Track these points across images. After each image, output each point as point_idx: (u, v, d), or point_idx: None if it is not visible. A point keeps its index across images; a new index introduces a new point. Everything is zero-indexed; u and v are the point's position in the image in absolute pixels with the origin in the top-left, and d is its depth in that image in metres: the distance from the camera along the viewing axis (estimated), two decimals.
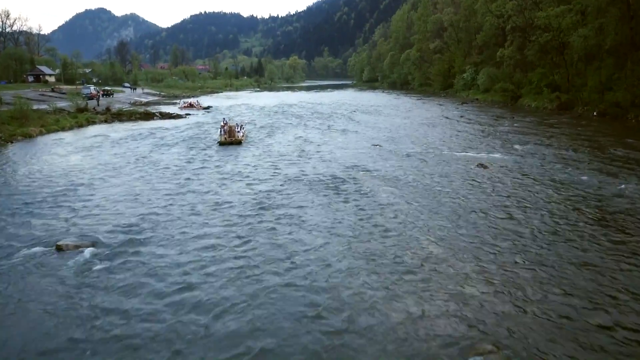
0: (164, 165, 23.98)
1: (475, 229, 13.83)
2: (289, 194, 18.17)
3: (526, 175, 20.86)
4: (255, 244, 12.80)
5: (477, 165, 22.58)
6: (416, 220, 14.75)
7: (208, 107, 63.35)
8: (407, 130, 37.21)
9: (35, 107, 49.96)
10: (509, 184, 19.30)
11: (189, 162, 25.04)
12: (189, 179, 20.95)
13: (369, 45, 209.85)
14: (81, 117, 45.83)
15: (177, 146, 30.41)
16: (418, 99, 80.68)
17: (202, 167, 23.58)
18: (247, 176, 21.34)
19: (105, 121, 47.95)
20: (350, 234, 13.52)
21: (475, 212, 15.51)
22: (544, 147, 28.22)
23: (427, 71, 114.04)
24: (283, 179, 20.68)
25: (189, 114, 54.19)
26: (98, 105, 61.96)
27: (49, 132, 38.42)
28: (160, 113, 52.44)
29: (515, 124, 40.26)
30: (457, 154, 26.24)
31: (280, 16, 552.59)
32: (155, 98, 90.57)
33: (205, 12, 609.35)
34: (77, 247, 12.43)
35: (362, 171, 21.88)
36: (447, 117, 47.10)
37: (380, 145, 29.37)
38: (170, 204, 16.60)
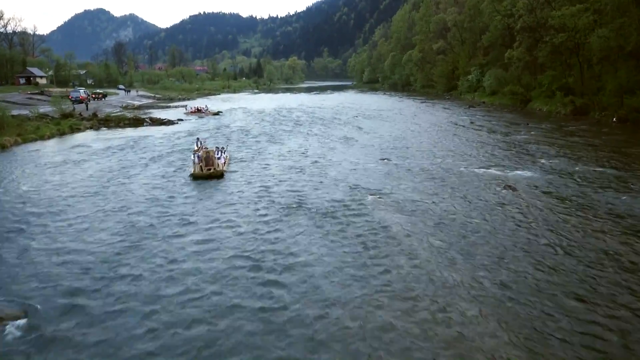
0: (124, 202, 18.47)
1: (524, 285, 10.73)
2: (281, 232, 15.05)
3: (564, 200, 17.74)
4: (230, 319, 9.67)
5: (504, 187, 19.46)
6: (443, 271, 11.64)
7: (218, 113, 58.50)
8: (416, 140, 34.10)
9: (16, 112, 46.95)
10: (547, 213, 16.18)
11: (153, 202, 18.42)
12: (135, 245, 13.78)
13: (369, 45, 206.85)
14: (64, 124, 42.67)
15: (153, 166, 25.45)
16: (422, 102, 77.59)
17: (160, 223, 15.70)
18: (224, 243, 13.78)
19: (91, 128, 44.83)
20: (357, 303, 10.32)
21: (517, 257, 12.41)
22: (573, 161, 25.12)
23: (429, 72, 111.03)
24: (276, 213, 17.50)
25: (181, 120, 51.04)
26: (87, 109, 58.89)
27: (25, 141, 35.23)
28: (151, 119, 49.31)
29: (532, 132, 37.16)
30: (477, 170, 23.12)
31: (279, 17, 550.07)
32: (149, 101, 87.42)
33: (204, 12, 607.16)
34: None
35: (371, 195, 18.75)
36: (456, 123, 44.01)
37: (388, 160, 26.26)
38: (120, 263, 12.78)
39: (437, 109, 62.38)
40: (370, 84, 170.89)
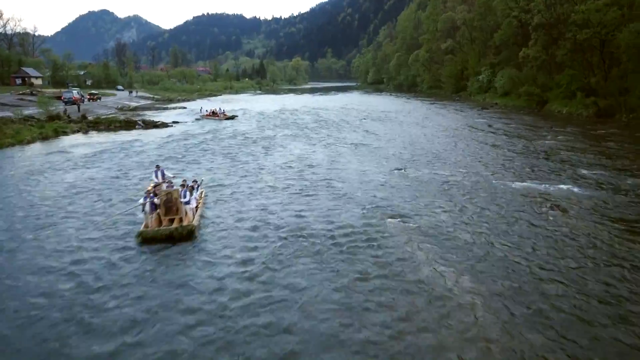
0: (59, 250, 13.17)
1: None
2: (279, 271, 11.69)
3: (630, 226, 14.29)
4: None
5: (550, 207, 16.03)
6: (500, 338, 8.24)
7: (233, 117, 52.77)
8: (432, 145, 30.67)
9: (0, 114, 43.89)
10: (614, 245, 12.76)
11: (88, 270, 11.79)
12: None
13: (374, 46, 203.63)
14: (48, 127, 39.42)
15: (114, 191, 19.21)
16: (431, 103, 74.11)
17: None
18: None
19: (79, 131, 41.60)
20: None
21: (602, 323, 9.01)
22: (618, 172, 21.66)
23: (437, 73, 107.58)
24: (276, 248, 14.12)
25: (177, 122, 47.77)
26: (79, 111, 55.76)
27: (1, 146, 32.05)
28: (144, 121, 46.04)
29: (558, 137, 33.66)
30: (511, 184, 19.67)
31: (283, 17, 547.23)
32: (147, 102, 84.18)
33: (208, 13, 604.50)
34: None
35: (390, 218, 15.35)
36: (472, 127, 40.55)
37: (404, 170, 22.86)
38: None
39: (448, 111, 58.89)
40: (375, 85, 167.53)
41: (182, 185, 15.48)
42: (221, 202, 17.51)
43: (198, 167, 24.56)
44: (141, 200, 14.81)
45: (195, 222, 14.39)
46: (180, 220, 14.42)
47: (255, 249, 12.95)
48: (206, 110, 56.72)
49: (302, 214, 15.85)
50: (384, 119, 48.88)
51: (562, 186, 19.03)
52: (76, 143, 34.56)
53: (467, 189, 18.91)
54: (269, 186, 19.88)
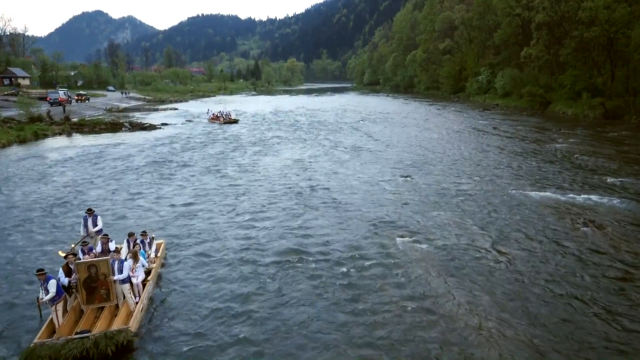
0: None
1: None
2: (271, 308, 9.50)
3: None
4: None
5: (584, 223, 13.91)
6: None
7: (236, 121, 47.60)
8: (437, 149, 28.57)
9: None
10: None
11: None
12: None
13: (370, 47, 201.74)
14: (28, 130, 37.03)
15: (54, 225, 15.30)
16: (429, 104, 72.14)
17: None
18: None
19: (60, 133, 39.25)
20: None
21: None
22: None
23: (434, 73, 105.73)
24: (268, 273, 11.95)
25: (166, 124, 45.48)
26: (64, 112, 53.34)
27: None
28: (130, 123, 43.75)
29: (570, 139, 31.67)
30: (530, 193, 17.57)
31: (278, 18, 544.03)
32: (138, 103, 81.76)
33: (202, 14, 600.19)
34: None
35: (399, 236, 13.19)
36: (476, 129, 38.51)
37: (409, 177, 20.71)
38: None
39: (448, 112, 56.88)
40: (371, 86, 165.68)
41: (127, 241, 10.90)
42: (189, 256, 12.15)
43: (171, 183, 20.20)
44: (41, 296, 8.53)
45: (133, 324, 8.59)
46: (114, 311, 9.26)
47: (243, 282, 10.76)
48: (212, 114, 51.47)
49: (299, 235, 13.57)
50: (383, 121, 46.79)
51: (590, 196, 16.92)
52: (53, 147, 32.22)
53: (482, 200, 16.78)
54: (258, 206, 16.34)
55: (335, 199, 17.14)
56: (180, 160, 26.09)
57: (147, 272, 10.45)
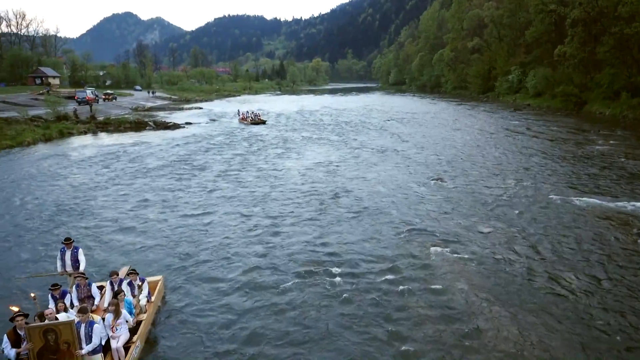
0: None
1: None
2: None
3: None
4: None
5: (639, 235, 12.56)
6: None
7: (263, 122, 45.48)
8: (469, 151, 27.23)
9: (5, 115, 41.96)
10: None
11: None
12: None
13: (395, 46, 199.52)
14: (53, 129, 37.23)
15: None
16: (457, 104, 70.25)
17: None
18: None
19: (85, 132, 39.35)
20: None
21: None
22: None
23: (462, 73, 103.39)
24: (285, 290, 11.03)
25: (190, 123, 45.22)
26: (91, 111, 53.80)
27: None
28: (155, 122, 43.65)
29: (610, 141, 29.85)
30: (574, 200, 16.20)
31: (303, 19, 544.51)
32: (164, 102, 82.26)
33: (229, 15, 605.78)
34: None
35: (433, 246, 12.12)
36: (509, 130, 36.87)
37: (441, 180, 19.54)
38: None
39: (478, 113, 55.08)
40: (397, 86, 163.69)
41: (111, 282, 8.81)
42: (194, 293, 9.84)
43: (185, 188, 18.79)
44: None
45: None
46: None
47: (263, 316, 9.88)
48: (242, 114, 49.50)
49: (322, 247, 12.54)
50: (410, 121, 45.46)
51: (635, 203, 15.47)
52: (77, 145, 32.16)
53: (520, 207, 15.52)
54: (278, 215, 14.86)
55: (362, 205, 16.06)
56: (199, 162, 25.09)
57: (134, 329, 7.90)
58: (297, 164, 23.63)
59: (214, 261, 11.49)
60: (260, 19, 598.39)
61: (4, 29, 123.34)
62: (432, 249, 11.91)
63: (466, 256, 11.42)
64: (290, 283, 10.15)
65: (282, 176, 21.07)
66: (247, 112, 48.97)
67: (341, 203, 16.27)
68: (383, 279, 10.27)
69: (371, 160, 24.38)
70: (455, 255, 11.52)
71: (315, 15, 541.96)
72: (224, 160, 25.41)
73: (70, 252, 9.46)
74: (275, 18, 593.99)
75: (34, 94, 72.83)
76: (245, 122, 45.66)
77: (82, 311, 7.11)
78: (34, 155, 28.15)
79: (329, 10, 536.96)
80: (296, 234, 13.22)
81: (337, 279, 10.31)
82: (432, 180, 19.53)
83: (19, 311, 7.07)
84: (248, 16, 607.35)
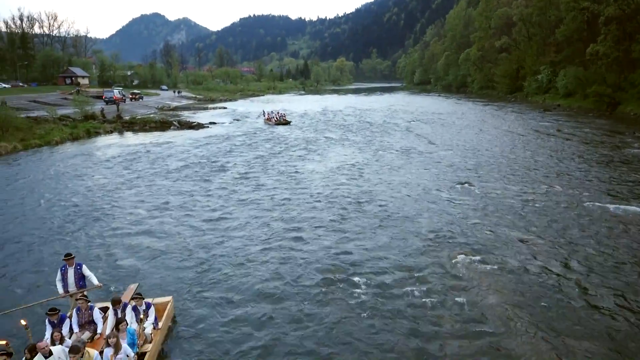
0: None
1: None
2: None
3: None
4: None
5: None
6: None
7: (288, 122, 44.60)
8: (496, 153, 26.40)
9: (35, 114, 42.90)
10: None
11: None
12: None
13: (421, 45, 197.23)
14: (80, 128, 37.85)
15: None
16: (484, 105, 68.80)
17: None
18: None
19: (112, 131, 39.88)
20: None
21: None
22: None
23: (489, 72, 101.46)
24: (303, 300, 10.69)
25: (214, 123, 45.39)
26: (118, 110, 54.62)
27: (27, 148, 30.36)
28: (179, 122, 43.96)
29: None
30: (610, 207, 15.35)
31: (328, 18, 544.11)
32: (189, 102, 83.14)
33: (254, 15, 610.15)
34: None
35: (460, 254, 11.58)
36: (539, 131, 35.72)
37: (469, 184, 18.89)
38: None
39: (505, 113, 53.73)
40: (422, 86, 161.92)
41: (115, 310, 7.96)
42: (207, 314, 9.02)
43: (205, 192, 18.32)
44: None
45: None
46: None
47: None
48: (266, 114, 48.48)
49: (343, 251, 12.24)
50: (435, 122, 44.60)
51: None
52: (102, 145, 32.55)
53: (553, 214, 14.81)
54: (298, 220, 14.46)
55: (386, 210, 15.52)
56: (220, 163, 24.69)
57: None
58: (319, 167, 23.19)
59: (230, 274, 10.84)
60: (285, 18, 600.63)
61: (37, 30, 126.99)
62: (460, 258, 11.38)
63: (496, 267, 10.85)
64: (311, 294, 9.79)
65: (303, 179, 20.58)
66: (272, 112, 48.10)
67: (364, 209, 15.74)
68: (409, 290, 9.81)
69: (396, 163, 23.82)
70: (485, 265, 10.97)
71: (340, 14, 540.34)
72: (245, 162, 25.10)
73: (72, 269, 8.41)
74: (300, 18, 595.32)
75: (64, 93, 74.49)
76: (270, 122, 44.89)
77: (73, 351, 6.32)
78: (60, 154, 28.56)
79: (353, 10, 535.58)
80: (317, 242, 12.80)
81: (361, 290, 9.89)
82: (459, 184, 18.88)
83: (2, 349, 6.29)
84: (273, 16, 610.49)
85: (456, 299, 9.39)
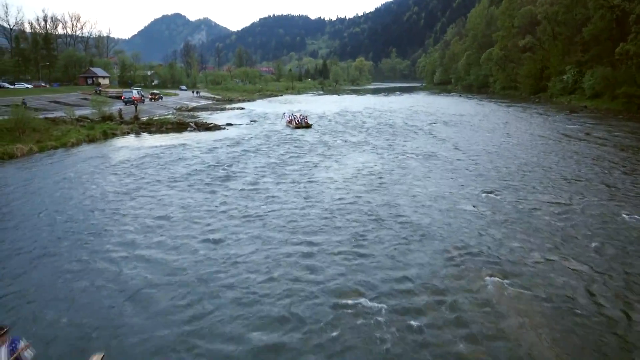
0: None
1: None
2: None
3: None
4: None
5: None
6: None
7: (309, 125, 42.41)
8: (523, 159, 25.12)
9: (53, 114, 42.94)
10: None
11: None
12: None
13: (441, 45, 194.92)
14: (97, 129, 37.60)
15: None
16: (507, 106, 66.97)
17: None
18: None
19: (128, 133, 39.61)
20: None
21: None
22: None
23: (512, 72, 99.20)
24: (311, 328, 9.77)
25: (231, 125, 44.87)
26: (136, 111, 54.62)
27: (42, 149, 30.11)
28: (196, 123, 43.48)
29: None
30: None
31: (347, 18, 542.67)
32: (207, 102, 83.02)
33: (273, 14, 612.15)
34: None
35: (489, 275, 10.56)
36: (567, 135, 34.20)
37: (495, 193, 17.77)
38: None
39: (530, 115, 52.02)
40: (442, 86, 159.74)
41: None
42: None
43: (208, 203, 16.90)
44: None
45: None
46: None
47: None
48: (287, 116, 45.97)
49: (360, 269, 11.34)
50: (458, 124, 43.27)
51: None
52: (117, 147, 32.12)
53: (589, 228, 13.65)
54: (309, 235, 13.35)
55: (407, 224, 14.44)
56: (232, 170, 23.27)
57: None
58: (336, 175, 21.93)
59: (227, 319, 9.13)
60: (305, 18, 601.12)
61: (61, 31, 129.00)
62: (489, 280, 10.36)
63: (529, 292, 9.82)
64: (327, 319, 8.92)
65: (318, 190, 19.19)
66: (292, 115, 46.04)
67: (384, 222, 14.63)
68: (433, 316, 8.87)
69: (417, 170, 22.72)
70: (517, 289, 9.94)
71: (360, 14, 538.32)
72: (257, 169, 23.75)
73: (4, 348, 6.28)
74: (320, 17, 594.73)
75: (85, 93, 75.10)
76: (290, 125, 42.98)
77: None
78: (73, 157, 28.19)
79: (373, 9, 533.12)
80: (332, 260, 11.85)
81: (380, 316, 8.97)
82: (485, 194, 17.77)
83: None
84: (292, 16, 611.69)
85: (486, 328, 8.42)
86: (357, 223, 14.58)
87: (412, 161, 24.88)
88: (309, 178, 21.27)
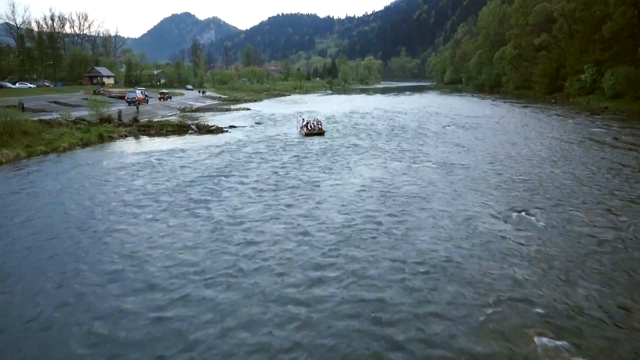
0: None
1: None
2: None
3: None
4: None
5: None
6: None
7: (322, 132, 37.59)
8: (550, 167, 22.72)
9: (48, 116, 41.15)
10: None
11: None
12: None
13: (452, 43, 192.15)
14: (93, 132, 35.70)
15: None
16: (523, 107, 64.28)
17: None
18: None
19: (127, 135, 37.71)
20: None
21: None
22: None
23: (526, 72, 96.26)
24: None
25: (234, 127, 42.83)
26: (137, 111, 52.89)
27: (30, 155, 28.28)
28: (197, 126, 41.51)
29: None
30: None
31: (356, 16, 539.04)
32: (212, 102, 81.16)
33: (282, 13, 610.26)
34: None
35: (535, 333, 8.32)
36: (592, 139, 31.71)
37: (527, 213, 15.44)
38: None
39: (549, 117, 49.42)
40: (453, 85, 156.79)
41: None
42: None
43: (196, 222, 14.78)
44: None
45: None
46: None
47: None
48: (302, 120, 41.20)
49: (373, 318, 9.17)
50: (474, 127, 40.84)
51: None
52: (112, 152, 30.22)
53: None
54: (309, 268, 11.21)
55: (427, 255, 12.03)
56: (230, 181, 20.94)
57: None
58: (343, 189, 19.46)
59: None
60: (313, 17, 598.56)
61: (68, 30, 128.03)
62: (538, 340, 8.13)
63: (584, 355, 7.59)
64: None
65: (323, 207, 16.63)
66: (305, 121, 40.41)
67: (398, 253, 12.17)
68: None
69: (434, 181, 20.42)
70: (576, 357, 7.70)
71: (369, 12, 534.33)
72: (258, 179, 21.38)
73: None
74: (328, 16, 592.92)
75: (87, 93, 73.58)
76: (302, 131, 38.43)
77: None
78: (62, 164, 26.22)
79: (382, 8, 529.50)
80: (341, 309, 9.71)
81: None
82: (515, 212, 15.45)
83: None
84: (301, 15, 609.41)
85: None
86: (365, 251, 12.25)
87: (427, 171, 22.53)
88: (315, 192, 18.84)
